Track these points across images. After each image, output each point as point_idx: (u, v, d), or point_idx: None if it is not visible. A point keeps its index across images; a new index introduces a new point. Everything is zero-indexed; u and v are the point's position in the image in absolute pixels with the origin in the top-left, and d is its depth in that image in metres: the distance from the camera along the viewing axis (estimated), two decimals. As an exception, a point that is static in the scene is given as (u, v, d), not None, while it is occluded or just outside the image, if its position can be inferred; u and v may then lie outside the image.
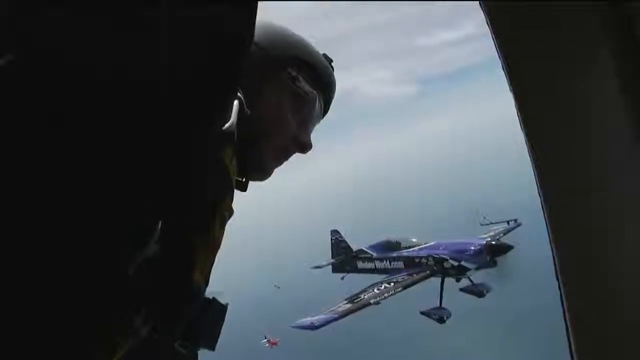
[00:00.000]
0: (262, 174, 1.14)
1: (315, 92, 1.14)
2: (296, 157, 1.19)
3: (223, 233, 0.91)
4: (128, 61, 0.65)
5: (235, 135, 0.92)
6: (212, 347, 0.97)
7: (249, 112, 1.00)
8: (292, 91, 1.10)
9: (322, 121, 1.23)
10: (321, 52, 1.20)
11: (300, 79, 1.11)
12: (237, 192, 1.08)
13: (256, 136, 1.05)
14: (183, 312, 0.87)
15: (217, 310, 0.98)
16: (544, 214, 1.11)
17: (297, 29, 1.17)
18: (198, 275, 0.85)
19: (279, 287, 36.51)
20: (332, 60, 1.21)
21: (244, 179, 1.11)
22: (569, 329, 1.10)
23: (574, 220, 1.11)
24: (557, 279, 1.10)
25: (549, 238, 1.11)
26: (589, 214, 1.11)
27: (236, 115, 0.94)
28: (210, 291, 0.96)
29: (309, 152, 1.17)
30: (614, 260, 1.09)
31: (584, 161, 1.11)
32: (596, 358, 1.10)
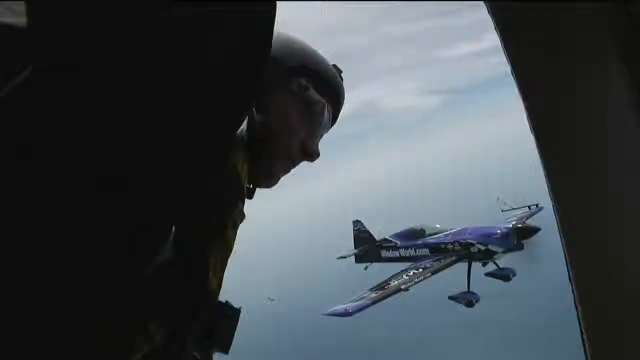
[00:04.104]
0: (270, 181, 1.14)
1: (324, 101, 1.14)
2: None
3: (235, 236, 0.93)
4: (147, 78, 0.67)
5: (245, 140, 0.94)
6: (226, 351, 0.99)
7: (259, 118, 1.02)
8: (302, 100, 1.10)
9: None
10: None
11: (310, 88, 1.11)
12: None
13: (265, 143, 1.06)
14: (198, 316, 0.88)
15: (230, 314, 1.00)
16: (554, 212, 1.14)
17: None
18: (212, 278, 0.87)
19: (273, 300, 36.33)
20: (341, 71, 1.22)
21: (251, 186, 1.11)
22: (582, 325, 1.14)
23: (583, 218, 1.14)
24: (570, 280, 1.13)
25: (560, 236, 1.14)
26: (596, 212, 1.13)
27: (246, 122, 0.96)
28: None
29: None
30: (620, 259, 1.12)
31: (592, 161, 1.13)
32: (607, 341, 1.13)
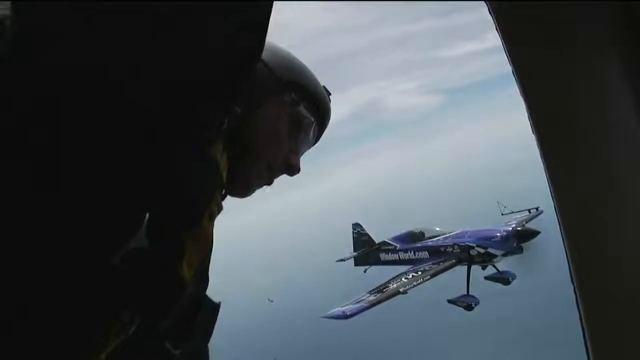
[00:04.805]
0: (245, 190, 1.14)
1: (312, 119, 1.16)
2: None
3: (212, 228, 0.91)
4: (142, 72, 0.67)
5: (226, 132, 0.93)
6: (204, 347, 0.97)
7: (248, 120, 1.03)
8: (291, 114, 1.13)
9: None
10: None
11: (301, 104, 1.14)
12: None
13: (249, 149, 1.07)
14: (169, 306, 0.85)
15: (208, 309, 0.98)
16: (556, 211, 1.14)
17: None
18: (185, 268, 0.84)
19: (272, 301, 36.41)
20: (330, 93, 1.25)
21: (224, 192, 1.08)
22: (584, 325, 1.14)
23: (584, 216, 1.14)
24: (572, 280, 1.13)
25: (562, 235, 1.14)
26: (597, 211, 1.13)
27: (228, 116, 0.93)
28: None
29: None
30: (622, 258, 1.12)
31: (593, 160, 1.14)
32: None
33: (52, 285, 0.70)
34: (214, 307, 1.00)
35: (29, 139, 0.67)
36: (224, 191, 1.07)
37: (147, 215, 0.77)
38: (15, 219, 0.68)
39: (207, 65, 0.72)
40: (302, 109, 1.14)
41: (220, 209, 0.95)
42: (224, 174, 0.95)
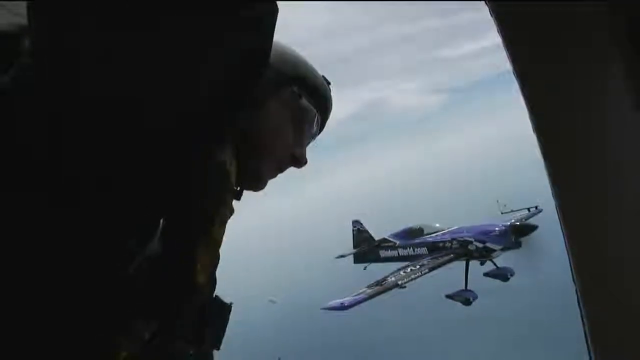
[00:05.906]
0: (257, 184, 1.16)
1: (314, 110, 1.17)
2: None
3: (223, 232, 0.93)
4: (147, 79, 0.67)
5: (235, 137, 0.95)
6: (217, 347, 0.99)
7: (251, 120, 1.04)
8: (294, 107, 1.13)
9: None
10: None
11: (302, 97, 1.14)
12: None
13: (256, 147, 1.08)
14: (185, 310, 0.88)
15: (220, 310, 1.01)
16: (557, 209, 1.15)
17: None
18: (199, 273, 0.86)
19: (274, 302, 36.54)
20: (330, 83, 1.25)
21: (238, 188, 1.11)
22: (585, 324, 1.14)
23: (585, 215, 1.15)
24: (574, 280, 1.14)
25: (563, 233, 1.15)
26: (598, 210, 1.14)
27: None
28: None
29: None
30: (623, 256, 1.12)
31: (593, 159, 1.14)
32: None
33: (67, 295, 0.71)
34: (226, 308, 1.02)
35: (37, 155, 0.68)
36: (238, 188, 1.10)
37: (161, 223, 0.78)
38: (29, 233, 0.68)
39: (214, 80, 0.72)
40: (304, 101, 1.14)
41: (231, 212, 0.96)
42: (234, 176, 0.95)
